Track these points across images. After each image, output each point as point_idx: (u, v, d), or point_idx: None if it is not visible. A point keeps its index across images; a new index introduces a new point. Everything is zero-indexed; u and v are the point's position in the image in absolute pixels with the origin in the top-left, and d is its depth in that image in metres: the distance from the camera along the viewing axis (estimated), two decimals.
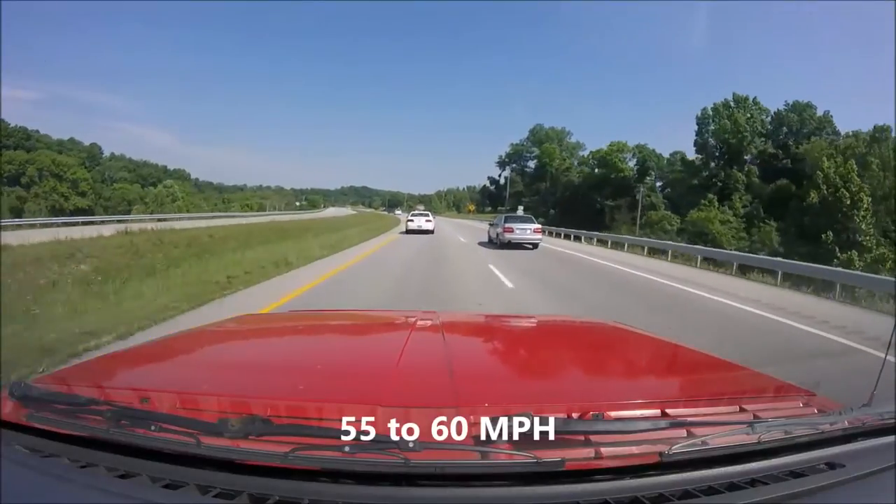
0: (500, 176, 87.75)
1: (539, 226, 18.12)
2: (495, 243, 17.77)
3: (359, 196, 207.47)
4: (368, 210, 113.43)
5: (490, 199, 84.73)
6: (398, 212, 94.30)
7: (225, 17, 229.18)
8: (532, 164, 77.94)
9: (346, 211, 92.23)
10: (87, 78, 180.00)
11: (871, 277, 10.77)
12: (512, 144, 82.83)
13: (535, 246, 17.25)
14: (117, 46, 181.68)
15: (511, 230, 16.90)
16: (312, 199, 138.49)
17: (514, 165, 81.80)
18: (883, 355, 1.00)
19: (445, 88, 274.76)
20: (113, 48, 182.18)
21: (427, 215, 26.09)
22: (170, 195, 66.20)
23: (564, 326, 2.11)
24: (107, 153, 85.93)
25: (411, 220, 24.92)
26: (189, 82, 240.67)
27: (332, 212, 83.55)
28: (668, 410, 0.86)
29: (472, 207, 59.39)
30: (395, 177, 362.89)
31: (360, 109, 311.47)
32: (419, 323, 1.61)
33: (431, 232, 23.93)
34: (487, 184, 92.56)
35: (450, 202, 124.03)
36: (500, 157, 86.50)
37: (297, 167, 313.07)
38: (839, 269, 13.05)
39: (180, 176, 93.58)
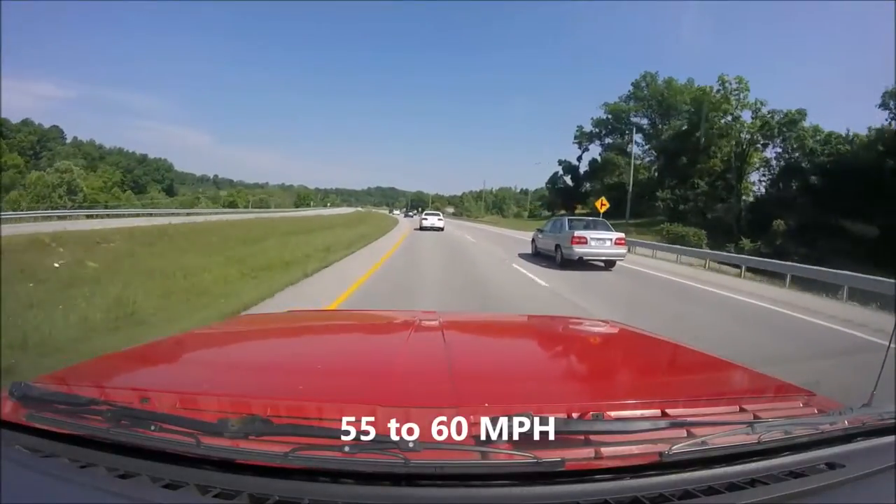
0: (579, 158, 55.68)
1: (622, 235, 11.82)
2: (550, 259, 12.15)
3: (385, 197, 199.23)
4: (378, 211, 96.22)
5: (563, 197, 54.14)
6: (396, 212, 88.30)
7: (256, 22, 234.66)
8: (639, 136, 47.47)
9: (343, 210, 75.88)
10: (125, 79, 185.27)
11: None
12: (606, 105, 51.60)
13: (612, 264, 11.79)
14: (155, 48, 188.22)
15: (583, 241, 11.05)
16: (305, 194, 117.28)
17: (607, 141, 51.67)
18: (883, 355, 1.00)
19: (474, 81, 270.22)
20: (151, 50, 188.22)
21: (438, 215, 30.29)
22: (63, 183, 45.26)
23: (564, 326, 2.11)
24: (70, 139, 72.10)
25: (425, 219, 28.68)
26: (224, 85, 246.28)
27: (327, 211, 68.62)
28: (668, 410, 0.86)
29: (605, 204, 22.81)
30: (422, 178, 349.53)
31: (387, 110, 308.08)
32: (419, 323, 1.61)
33: (441, 229, 26.56)
34: (560, 171, 57.81)
35: (489, 204, 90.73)
36: (580, 129, 54.50)
37: (324, 167, 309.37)
38: None
39: (160, 167, 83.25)
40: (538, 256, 13.06)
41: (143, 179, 78.16)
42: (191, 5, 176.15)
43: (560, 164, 58.12)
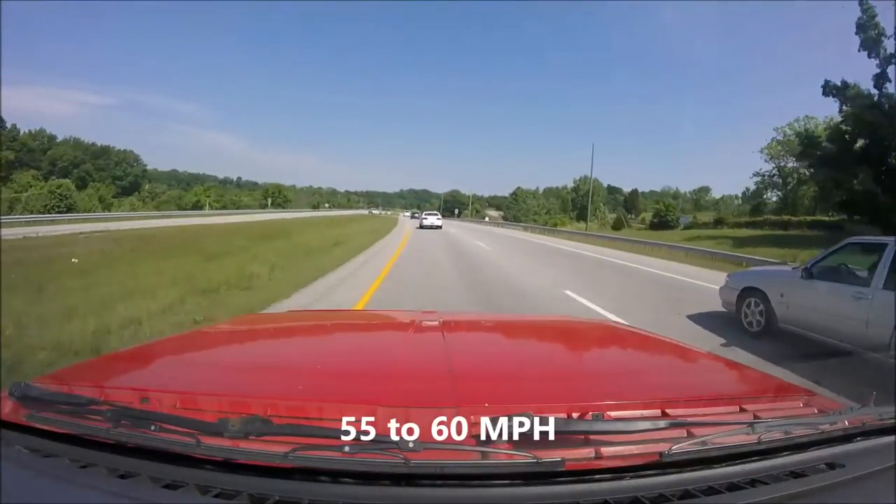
0: (880, 80, 18.96)
1: None
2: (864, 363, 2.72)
3: (418, 199, 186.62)
4: (396, 213, 78.91)
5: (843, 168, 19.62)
6: (405, 213, 77.10)
7: (290, 28, 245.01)
8: None
9: (332, 213, 61.96)
10: (163, 85, 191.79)
11: None
12: None
13: None
14: (191, 55, 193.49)
15: None
16: (275, 190, 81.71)
17: None
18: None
19: (508, 80, 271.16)
20: (187, 57, 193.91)
21: (437, 215, 33.43)
22: None
23: (564, 326, 2.10)
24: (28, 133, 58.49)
25: (425, 219, 31.60)
26: (258, 88, 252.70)
27: (318, 213, 55.78)
28: (668, 410, 0.86)
29: None
30: (458, 178, 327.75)
31: (419, 112, 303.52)
32: (420, 323, 1.61)
33: (440, 227, 29.80)
34: (843, 108, 20.38)
35: (567, 204, 62.88)
36: (868, 9, 18.18)
37: (357, 170, 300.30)
38: None
39: (123, 160, 71.82)
40: (775, 341, 4.79)
41: (98, 175, 66.74)
42: (224, 6, 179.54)
43: (839, 95, 21.99)
